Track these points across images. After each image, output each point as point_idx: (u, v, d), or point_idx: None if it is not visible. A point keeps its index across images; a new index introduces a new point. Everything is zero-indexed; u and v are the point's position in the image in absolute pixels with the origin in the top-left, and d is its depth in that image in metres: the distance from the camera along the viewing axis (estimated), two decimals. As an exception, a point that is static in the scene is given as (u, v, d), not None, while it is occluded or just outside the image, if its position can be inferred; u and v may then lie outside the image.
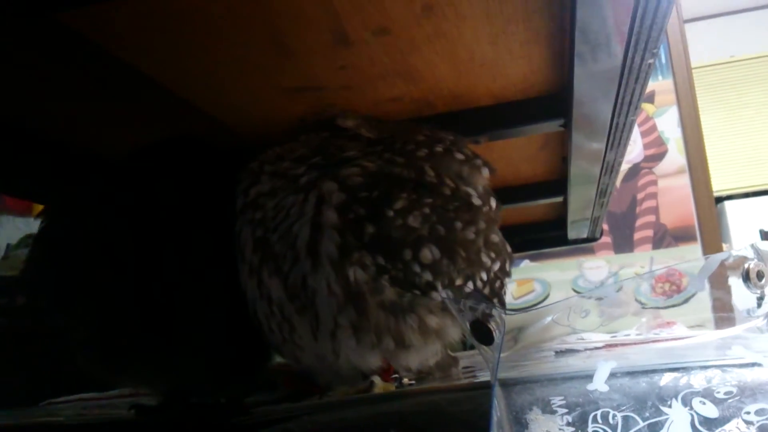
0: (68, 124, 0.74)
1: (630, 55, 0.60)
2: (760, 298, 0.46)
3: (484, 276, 0.60)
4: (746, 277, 0.46)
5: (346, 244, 0.56)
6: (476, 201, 0.62)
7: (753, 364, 0.43)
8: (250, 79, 0.68)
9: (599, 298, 0.64)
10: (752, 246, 0.45)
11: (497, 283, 0.63)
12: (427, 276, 0.56)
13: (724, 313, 0.51)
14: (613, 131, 0.78)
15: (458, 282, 0.58)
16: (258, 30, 0.58)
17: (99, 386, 0.84)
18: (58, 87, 0.65)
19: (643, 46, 0.58)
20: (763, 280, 0.45)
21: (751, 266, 0.45)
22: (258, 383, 0.71)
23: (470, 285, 0.59)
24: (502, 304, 0.64)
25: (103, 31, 0.56)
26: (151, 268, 0.62)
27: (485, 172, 0.65)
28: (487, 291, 0.61)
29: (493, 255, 0.62)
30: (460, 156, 0.64)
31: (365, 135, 0.65)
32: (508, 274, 0.66)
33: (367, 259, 0.56)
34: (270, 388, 0.71)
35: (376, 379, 0.61)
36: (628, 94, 0.68)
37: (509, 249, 0.67)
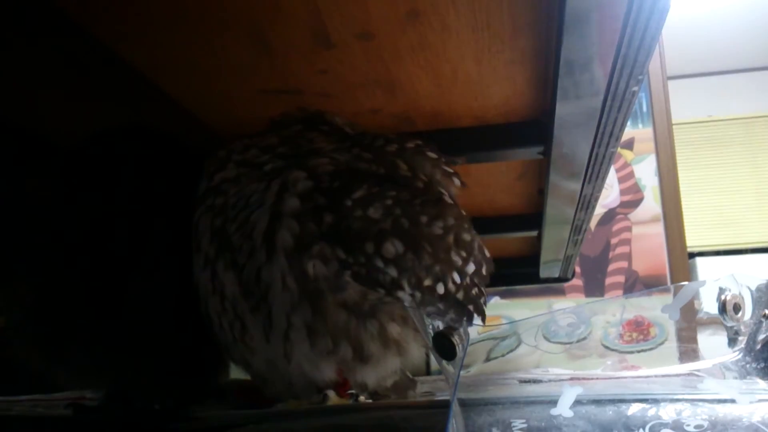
0: (32, 108, 0.71)
1: (614, 80, 0.59)
2: (735, 333, 0.44)
3: (457, 278, 0.57)
4: (722, 309, 0.44)
5: (305, 235, 0.53)
6: (448, 200, 0.60)
7: (726, 400, 0.41)
8: (228, 76, 0.66)
9: (567, 343, 0.62)
10: (732, 276, 0.43)
11: (474, 290, 0.60)
12: (392, 272, 0.54)
13: (689, 345, 0.50)
14: (592, 163, 0.76)
15: (427, 282, 0.55)
16: (237, 23, 0.57)
17: (41, 387, 0.80)
18: (23, 68, 0.62)
19: (629, 71, 0.57)
20: (740, 313, 0.44)
21: (728, 298, 0.44)
22: (208, 393, 0.68)
23: (441, 287, 0.56)
24: (480, 312, 0.61)
25: (81, 10, 0.54)
26: (101, 260, 0.59)
27: (456, 182, 0.64)
28: (461, 296, 0.58)
29: (464, 254, 0.59)
30: (432, 155, 0.62)
31: (348, 132, 0.63)
32: (485, 280, 0.63)
33: (327, 252, 0.53)
34: (219, 397, 0.67)
35: (331, 394, 0.58)
36: (610, 123, 0.66)
37: (487, 254, 0.64)
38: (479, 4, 0.55)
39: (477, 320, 0.63)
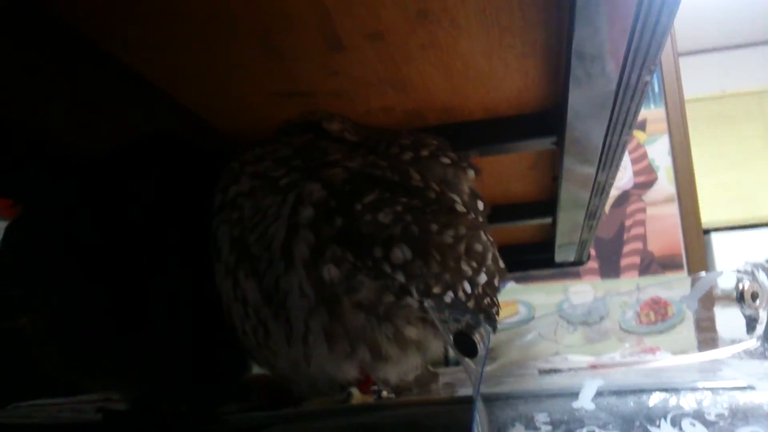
0: (49, 119, 0.72)
1: (626, 71, 0.59)
2: (753, 320, 0.45)
3: (468, 288, 0.58)
4: (740, 298, 0.45)
5: (319, 242, 0.54)
6: (460, 208, 0.60)
7: (745, 388, 0.41)
8: (239, 81, 0.67)
9: (584, 323, 0.63)
10: (750, 264, 0.44)
11: (486, 300, 0.60)
12: (400, 278, 0.54)
13: (708, 334, 0.50)
14: (605, 151, 0.77)
15: (436, 290, 0.55)
16: (247, 30, 0.57)
17: (66, 390, 0.82)
18: (39, 79, 0.63)
19: (641, 62, 0.57)
20: (757, 301, 0.44)
21: (745, 286, 0.44)
22: (232, 392, 0.69)
23: (450, 295, 0.56)
24: (492, 322, 0.62)
25: (90, 22, 0.55)
26: (122, 267, 0.60)
27: (471, 173, 0.64)
28: (471, 305, 0.58)
29: (474, 264, 0.59)
30: (445, 160, 0.62)
31: (349, 139, 0.63)
32: (497, 291, 0.63)
33: (339, 253, 0.54)
34: (244, 397, 0.68)
35: (354, 391, 0.59)
36: (623, 112, 0.67)
37: (502, 265, 0.65)
38: (488, 1, 0.55)
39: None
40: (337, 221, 0.55)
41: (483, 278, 0.60)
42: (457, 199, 0.60)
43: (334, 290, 0.54)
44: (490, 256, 0.62)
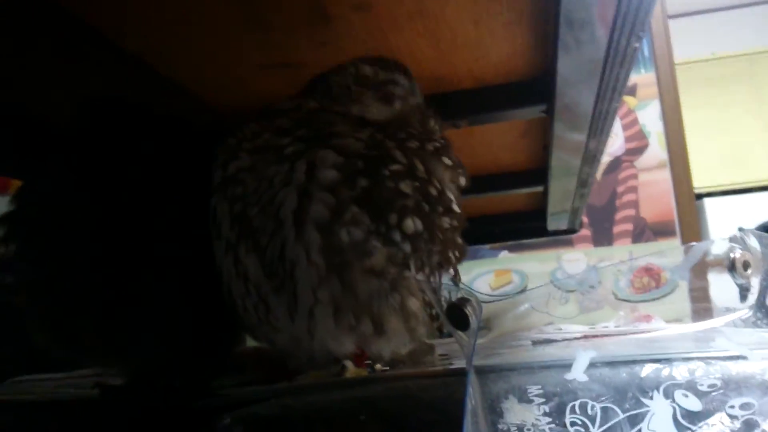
0: (37, 95, 0.71)
1: (615, 37, 0.58)
2: (745, 289, 0.45)
3: (437, 274, 0.61)
4: (732, 267, 0.44)
5: (339, 204, 0.54)
6: (455, 207, 0.62)
7: (738, 357, 0.41)
8: (227, 55, 0.66)
9: (578, 292, 0.63)
10: (741, 231, 0.43)
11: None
12: (406, 248, 0.55)
13: (702, 304, 0.50)
14: (595, 118, 0.76)
15: (426, 270, 0.57)
16: (233, 3, 0.56)
17: (63, 366, 0.82)
18: (31, 59, 0.63)
19: (629, 28, 0.57)
20: (749, 270, 0.44)
21: (737, 256, 0.44)
22: (227, 366, 0.69)
23: (435, 275, 0.59)
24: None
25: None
26: (117, 245, 0.60)
27: (463, 181, 0.65)
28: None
29: (457, 254, 0.62)
30: (447, 161, 0.63)
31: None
32: (455, 284, 0.66)
33: (358, 216, 0.54)
34: (239, 371, 0.68)
35: (348, 364, 0.59)
36: (612, 78, 0.66)
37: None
38: (475, -32, 0.54)
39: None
40: (361, 182, 0.55)
41: (451, 271, 0.63)
42: (452, 197, 0.61)
43: (344, 257, 0.54)
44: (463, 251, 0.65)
